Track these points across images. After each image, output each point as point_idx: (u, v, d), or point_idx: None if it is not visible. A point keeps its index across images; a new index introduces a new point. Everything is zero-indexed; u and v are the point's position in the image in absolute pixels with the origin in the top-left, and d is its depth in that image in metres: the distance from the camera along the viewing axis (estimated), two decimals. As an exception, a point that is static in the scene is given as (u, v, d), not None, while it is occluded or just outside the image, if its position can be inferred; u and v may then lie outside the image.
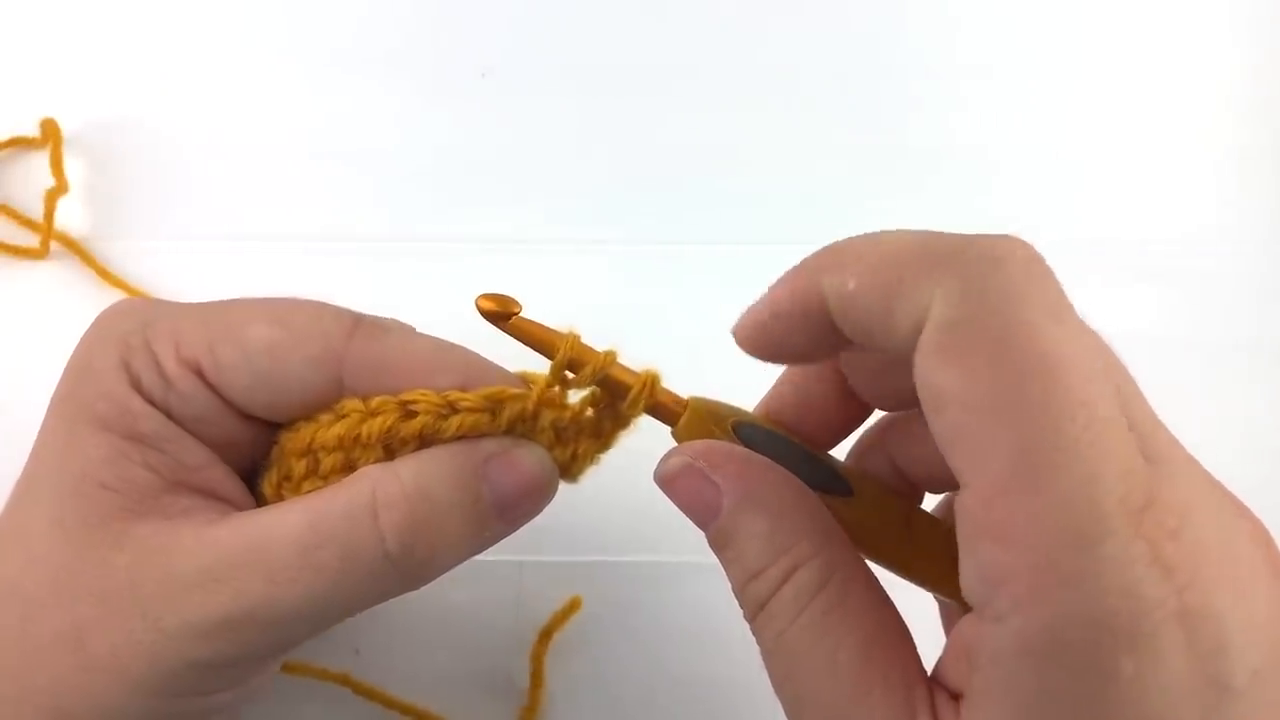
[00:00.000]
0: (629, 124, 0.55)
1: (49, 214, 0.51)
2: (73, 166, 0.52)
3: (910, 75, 0.56)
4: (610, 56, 0.56)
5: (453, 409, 0.32)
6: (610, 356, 0.33)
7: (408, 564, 0.31)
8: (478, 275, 0.51)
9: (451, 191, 0.53)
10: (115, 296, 0.50)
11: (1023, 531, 0.23)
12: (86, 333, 0.34)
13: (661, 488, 0.30)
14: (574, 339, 0.32)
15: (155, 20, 0.55)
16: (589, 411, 0.34)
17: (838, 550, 0.28)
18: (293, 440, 0.34)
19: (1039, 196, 0.54)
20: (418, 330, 0.35)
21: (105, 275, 0.51)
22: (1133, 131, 0.56)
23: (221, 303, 0.35)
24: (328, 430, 0.33)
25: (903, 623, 0.27)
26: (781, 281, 0.29)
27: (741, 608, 0.29)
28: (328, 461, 0.33)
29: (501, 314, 0.32)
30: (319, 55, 0.55)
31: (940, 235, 0.26)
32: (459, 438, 0.33)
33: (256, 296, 0.38)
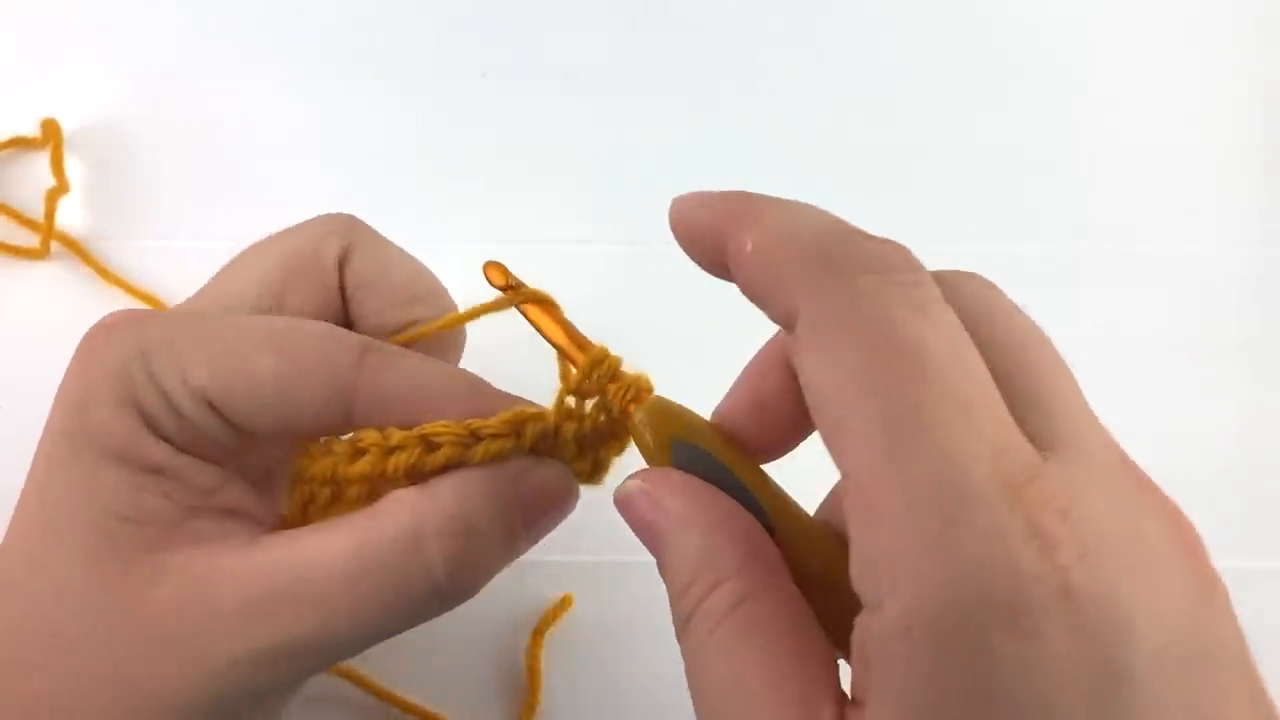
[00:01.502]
0: (629, 124, 0.55)
1: (49, 214, 0.51)
2: (73, 166, 0.52)
3: (910, 76, 0.56)
4: (610, 56, 0.56)
5: (476, 437, 0.32)
6: (615, 361, 0.33)
7: (453, 591, 0.32)
8: (478, 275, 0.52)
9: (451, 191, 0.53)
10: (115, 296, 0.50)
11: (892, 510, 0.23)
12: (79, 358, 0.33)
13: (619, 506, 0.31)
14: (603, 354, 0.33)
15: (155, 20, 0.55)
16: (603, 417, 0.34)
17: (761, 571, 0.28)
18: (312, 469, 0.34)
19: (1038, 197, 0.54)
20: (420, 355, 0.35)
21: (105, 275, 0.51)
22: (1131, 132, 0.55)
23: (220, 323, 0.34)
24: (350, 466, 0.33)
25: (827, 646, 0.27)
26: (704, 202, 0.30)
27: (674, 620, 0.29)
28: (352, 491, 0.34)
29: (507, 287, 0.34)
30: (319, 55, 0.55)
31: (830, 233, 0.26)
32: (485, 463, 0.33)
33: (232, 285, 0.38)
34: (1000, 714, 0.21)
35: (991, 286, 0.28)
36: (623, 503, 0.31)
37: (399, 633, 0.33)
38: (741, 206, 0.28)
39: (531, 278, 0.52)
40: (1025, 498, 0.22)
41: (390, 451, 0.32)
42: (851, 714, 0.24)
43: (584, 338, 0.34)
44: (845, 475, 0.24)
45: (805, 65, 0.56)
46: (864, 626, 0.24)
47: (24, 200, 0.52)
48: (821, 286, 0.25)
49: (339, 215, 0.39)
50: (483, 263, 0.34)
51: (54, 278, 0.51)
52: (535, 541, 0.34)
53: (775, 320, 0.27)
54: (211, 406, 0.32)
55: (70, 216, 0.52)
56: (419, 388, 0.33)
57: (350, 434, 0.34)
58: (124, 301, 0.50)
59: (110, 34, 0.55)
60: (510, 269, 0.34)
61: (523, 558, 0.46)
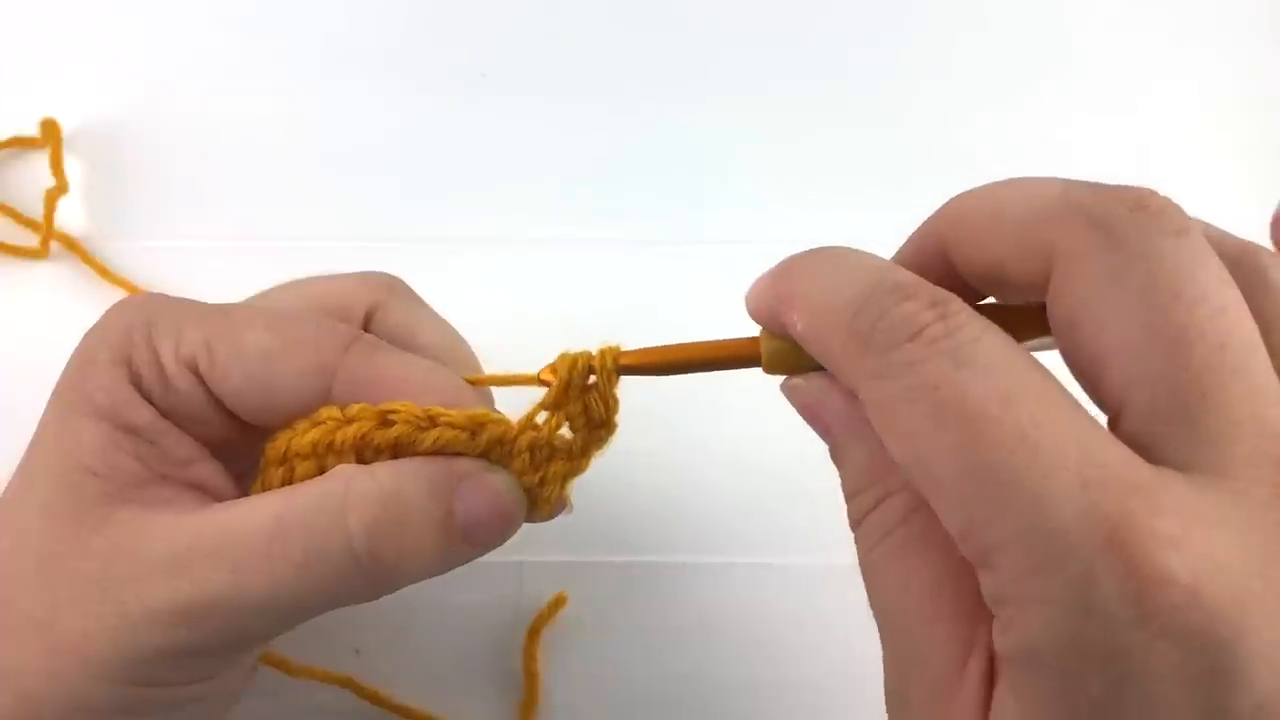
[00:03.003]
0: (629, 124, 0.55)
1: (49, 214, 0.51)
2: (73, 166, 0.52)
3: (910, 75, 0.56)
4: (611, 56, 0.56)
5: (432, 422, 0.32)
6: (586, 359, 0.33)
7: (372, 565, 0.31)
8: (478, 275, 0.52)
9: (451, 191, 0.53)
10: (115, 296, 0.50)
11: (993, 559, 0.23)
12: (91, 328, 0.35)
13: (788, 397, 0.31)
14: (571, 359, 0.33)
15: (155, 20, 0.55)
16: (565, 431, 0.34)
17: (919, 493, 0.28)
18: (272, 449, 0.34)
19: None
20: (408, 357, 0.35)
21: (105, 275, 0.51)
22: (1133, 132, 0.56)
23: (226, 305, 0.35)
24: (302, 437, 0.33)
25: (971, 571, 0.27)
26: (758, 290, 0.31)
27: (847, 515, 0.30)
28: (302, 469, 0.33)
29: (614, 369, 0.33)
30: (319, 55, 0.55)
31: (862, 303, 0.26)
32: (434, 453, 0.33)
33: (263, 303, 0.38)
34: None
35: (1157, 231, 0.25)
36: (792, 390, 0.31)
37: (320, 610, 0.32)
38: (785, 287, 0.29)
39: (532, 277, 0.52)
40: (1122, 533, 0.21)
41: (346, 423, 0.33)
42: (976, 656, 0.25)
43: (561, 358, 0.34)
44: (952, 534, 0.25)
45: (806, 65, 0.56)
46: (998, 640, 0.24)
47: (24, 200, 0.52)
48: (865, 373, 0.26)
49: (381, 273, 0.40)
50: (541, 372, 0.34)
51: (54, 278, 0.51)
52: (475, 550, 0.34)
53: (1019, 277, 0.27)
54: (199, 377, 0.33)
55: (70, 216, 0.52)
56: (399, 379, 0.33)
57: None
58: (124, 301, 0.50)
59: (110, 34, 0.55)
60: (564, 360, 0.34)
61: (523, 558, 0.46)
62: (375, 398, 0.33)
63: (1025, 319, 0.28)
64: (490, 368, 0.38)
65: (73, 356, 0.34)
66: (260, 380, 0.33)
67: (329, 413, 0.33)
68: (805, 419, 0.31)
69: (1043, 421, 0.23)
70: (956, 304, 0.25)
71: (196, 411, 0.34)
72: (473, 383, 0.35)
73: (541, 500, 0.35)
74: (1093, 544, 0.21)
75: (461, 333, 0.41)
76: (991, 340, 0.25)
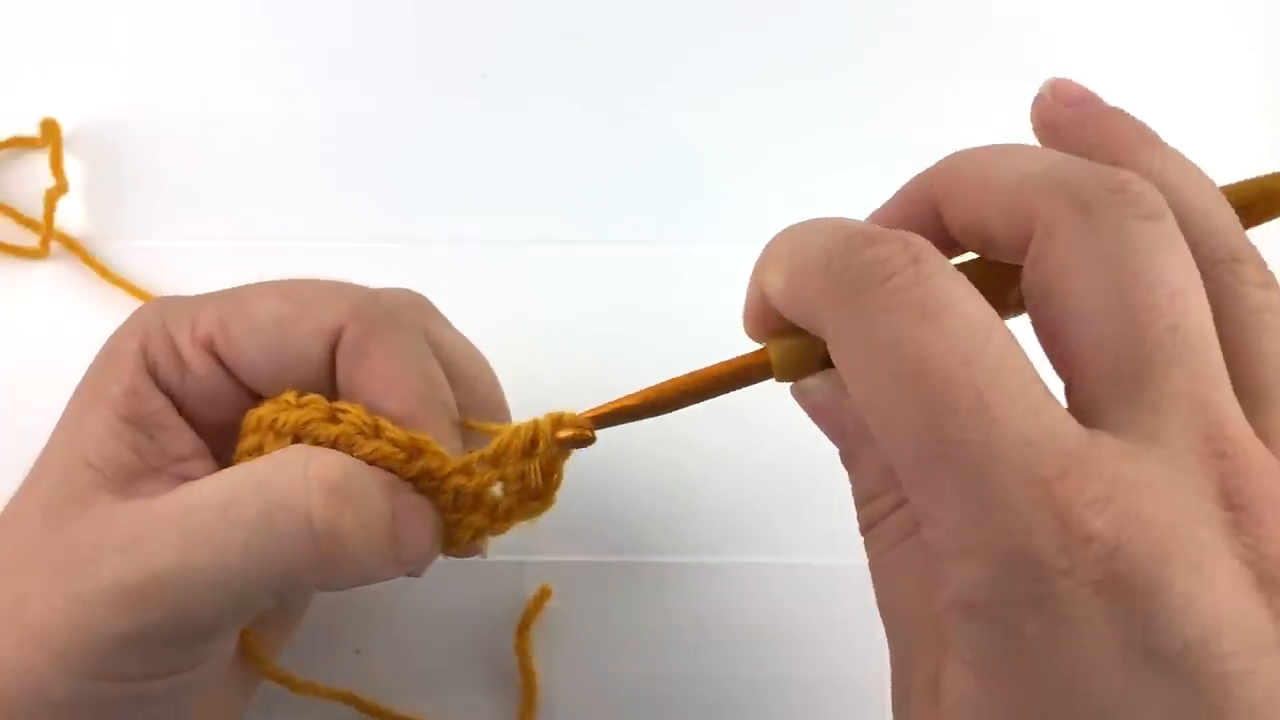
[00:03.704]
0: (629, 124, 0.55)
1: (49, 214, 0.51)
2: (73, 166, 0.52)
3: (912, 75, 0.56)
4: (611, 56, 0.56)
5: (376, 433, 0.32)
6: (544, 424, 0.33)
7: (327, 537, 0.31)
8: (478, 275, 0.52)
9: (451, 191, 0.53)
10: (115, 296, 0.50)
11: (933, 513, 0.24)
12: (114, 331, 0.35)
13: (799, 401, 0.31)
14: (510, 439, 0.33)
15: (155, 20, 0.55)
16: (495, 488, 0.34)
17: None
18: (245, 416, 0.35)
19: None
20: (414, 334, 0.35)
21: (105, 275, 0.51)
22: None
23: (239, 286, 0.36)
24: (254, 412, 0.34)
25: None
26: (748, 294, 0.31)
27: (857, 519, 0.30)
28: (244, 443, 0.34)
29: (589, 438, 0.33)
30: (318, 55, 0.55)
31: (830, 247, 0.27)
32: (369, 462, 0.33)
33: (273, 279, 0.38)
34: (1033, 690, 0.23)
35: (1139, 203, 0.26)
36: (803, 393, 0.31)
37: (270, 583, 0.31)
38: (764, 256, 0.30)
39: (532, 277, 0.52)
40: (1054, 493, 0.23)
41: (296, 408, 0.33)
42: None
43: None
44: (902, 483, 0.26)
45: (807, 66, 0.56)
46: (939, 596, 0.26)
47: (24, 200, 0.52)
48: (834, 312, 0.26)
49: (409, 292, 0.39)
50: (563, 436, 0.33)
51: (54, 278, 0.51)
52: (398, 570, 0.34)
53: (1002, 240, 0.28)
54: (215, 356, 0.33)
55: (70, 216, 0.52)
56: (382, 364, 0.33)
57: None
58: (124, 301, 0.50)
59: (110, 34, 0.55)
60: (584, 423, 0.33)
61: (523, 558, 0.46)
62: (359, 376, 0.33)
63: (1001, 277, 0.28)
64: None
65: (97, 355, 0.35)
66: (275, 348, 0.33)
67: (288, 395, 0.33)
68: (818, 422, 0.31)
69: (996, 384, 0.24)
70: (929, 251, 0.26)
71: (214, 393, 0.34)
72: (467, 426, 0.35)
73: (451, 541, 0.35)
74: (1029, 500, 0.23)
75: (462, 333, 0.41)
76: (960, 294, 0.25)
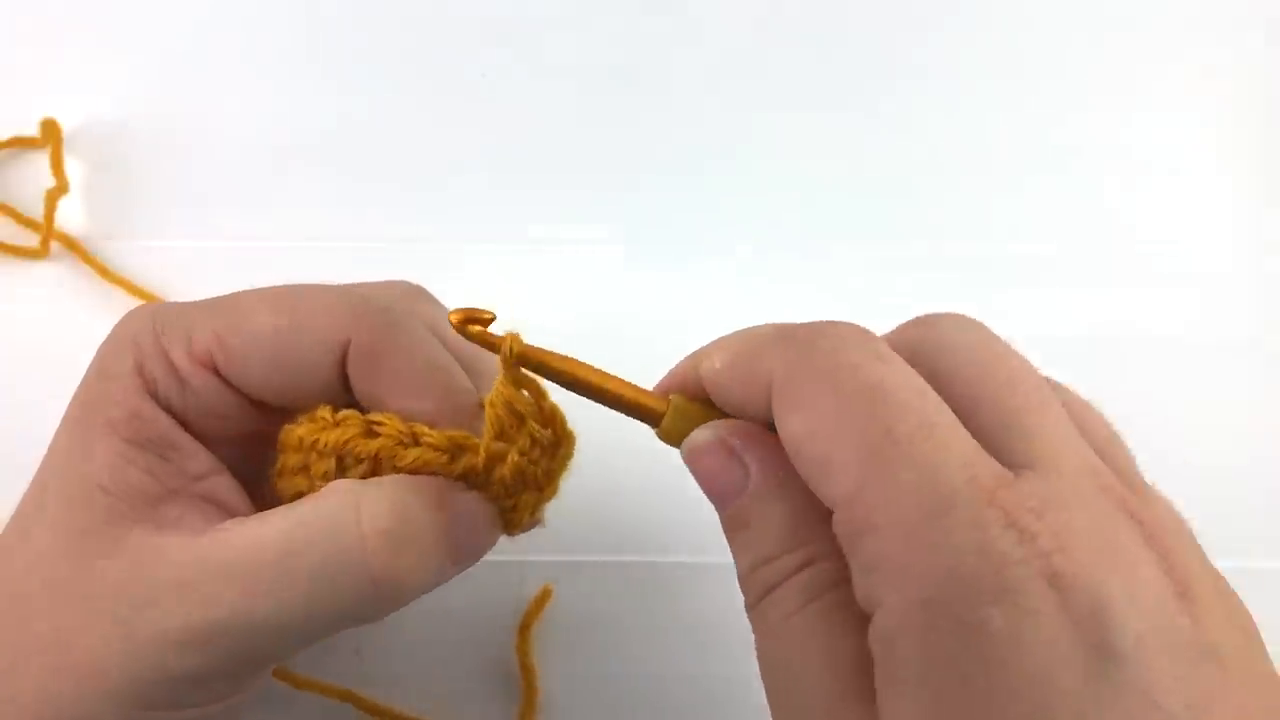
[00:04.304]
0: (629, 124, 0.55)
1: (49, 214, 0.51)
2: (73, 166, 0.52)
3: (912, 76, 0.56)
4: (611, 57, 0.56)
5: (414, 440, 0.32)
6: (510, 340, 0.31)
7: (386, 580, 0.31)
8: (478, 275, 0.52)
9: (452, 191, 0.53)
10: (115, 296, 0.50)
11: (882, 518, 0.25)
12: (104, 340, 0.34)
13: (688, 459, 0.30)
14: (513, 339, 0.31)
15: (155, 20, 0.55)
16: (530, 458, 0.34)
17: (843, 560, 0.28)
18: (282, 433, 0.34)
19: (1039, 199, 0.54)
20: (419, 329, 0.34)
21: (105, 275, 0.51)
22: (1133, 132, 0.56)
23: (230, 295, 0.35)
24: (293, 431, 0.33)
25: None
26: (671, 371, 0.32)
27: (743, 590, 0.29)
28: (288, 460, 0.34)
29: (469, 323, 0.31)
30: (318, 56, 0.55)
31: (782, 326, 0.29)
32: (412, 471, 0.33)
33: (265, 286, 0.38)
34: (996, 689, 0.23)
35: (966, 323, 0.29)
36: (699, 451, 0.30)
37: (328, 628, 0.32)
38: (693, 355, 0.31)
39: (531, 277, 0.52)
40: (999, 498, 0.24)
41: (334, 426, 0.33)
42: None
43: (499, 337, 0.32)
44: (835, 505, 0.26)
45: (806, 66, 0.56)
46: (870, 635, 0.25)
47: (24, 200, 0.52)
48: (787, 356, 0.28)
49: (405, 283, 0.39)
50: (450, 313, 0.31)
51: (54, 278, 0.51)
52: (462, 567, 0.34)
53: (755, 410, 0.29)
54: (215, 371, 0.33)
55: (70, 216, 0.52)
56: (402, 366, 0.33)
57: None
58: (124, 301, 0.50)
59: (110, 34, 0.55)
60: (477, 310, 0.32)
61: (523, 558, 0.46)
62: (379, 381, 0.33)
63: None
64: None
65: (86, 372, 0.34)
66: (278, 360, 0.33)
67: (323, 411, 0.33)
68: (706, 481, 0.30)
69: (938, 415, 0.26)
70: (876, 336, 0.28)
71: (217, 407, 0.33)
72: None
73: (512, 523, 0.35)
74: (979, 499, 0.24)
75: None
76: (902, 361, 0.27)
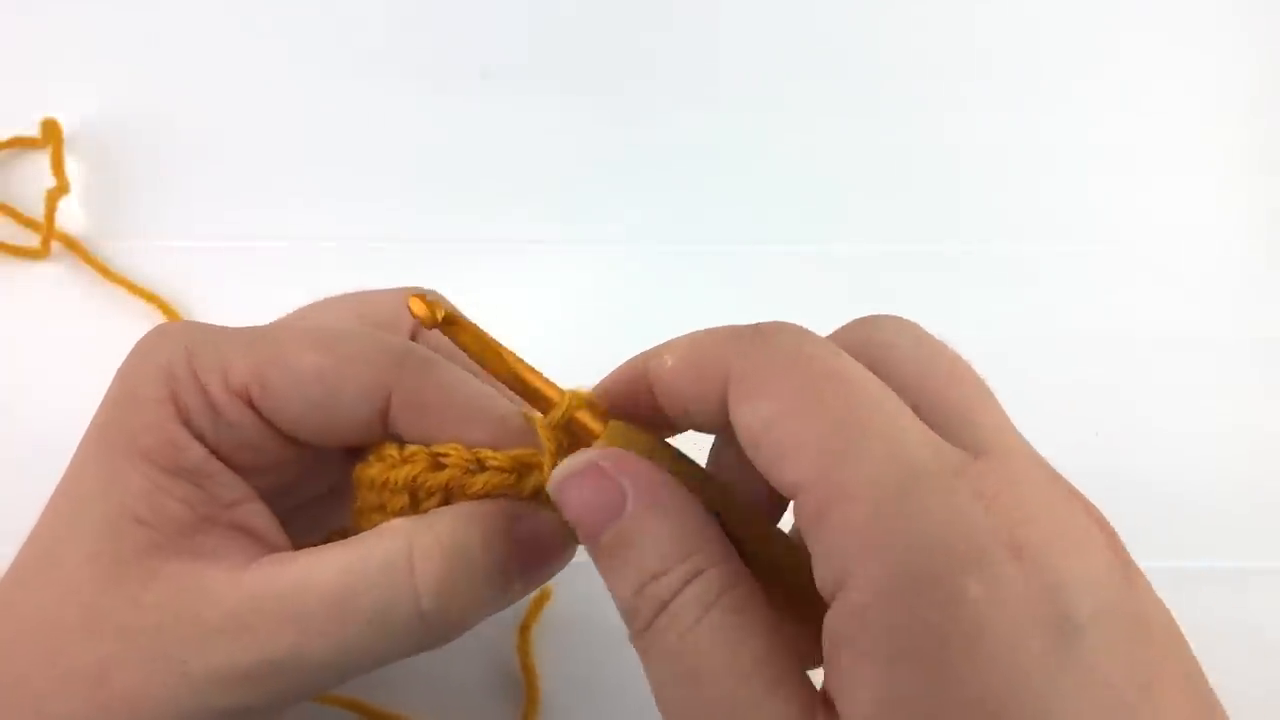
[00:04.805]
0: (629, 124, 0.55)
1: (49, 214, 0.51)
2: (73, 166, 0.52)
3: (911, 76, 0.56)
4: (611, 56, 0.56)
5: (480, 466, 0.33)
6: (578, 399, 0.32)
7: (438, 621, 0.31)
8: (478, 275, 0.52)
9: (452, 192, 0.53)
10: (115, 296, 0.50)
11: (853, 492, 0.25)
12: (127, 360, 0.34)
13: (557, 486, 0.30)
14: (576, 398, 0.32)
15: (155, 20, 0.55)
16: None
17: (736, 562, 0.28)
18: (354, 476, 0.35)
19: (1039, 198, 0.54)
20: (455, 368, 0.34)
21: (105, 275, 0.51)
22: (1132, 132, 0.56)
23: (267, 327, 0.35)
24: (365, 470, 0.34)
25: (798, 636, 0.28)
26: (617, 369, 0.32)
27: (629, 616, 0.29)
28: (366, 499, 0.34)
29: (434, 320, 0.31)
30: (319, 55, 0.55)
31: (734, 326, 0.30)
32: (483, 495, 0.33)
33: (302, 320, 0.38)
34: (972, 655, 0.23)
35: (906, 324, 0.30)
36: (571, 478, 0.30)
37: (379, 664, 0.32)
38: (639, 357, 0.31)
39: (531, 277, 0.52)
40: (965, 471, 0.25)
41: (402, 463, 0.33)
42: (823, 715, 0.25)
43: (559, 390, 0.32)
44: (797, 489, 0.26)
45: (806, 66, 0.56)
46: (835, 614, 0.25)
47: (24, 200, 0.52)
48: (744, 349, 0.28)
49: (420, 288, 0.39)
50: (409, 297, 0.31)
51: (54, 278, 0.51)
52: (532, 586, 0.34)
53: (702, 415, 0.29)
54: (251, 405, 0.33)
55: (70, 216, 0.52)
56: (450, 402, 0.33)
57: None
58: (124, 301, 0.50)
59: (110, 34, 0.55)
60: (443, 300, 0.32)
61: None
62: (428, 420, 0.33)
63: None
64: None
65: (111, 392, 0.34)
66: (318, 402, 0.32)
67: (390, 449, 0.33)
68: (579, 505, 0.30)
69: (896, 405, 0.27)
70: (826, 338, 0.29)
71: (250, 441, 0.33)
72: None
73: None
74: (947, 473, 0.25)
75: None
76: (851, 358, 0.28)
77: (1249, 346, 0.52)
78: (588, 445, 0.31)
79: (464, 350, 0.32)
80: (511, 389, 0.32)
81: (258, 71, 0.55)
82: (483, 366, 0.32)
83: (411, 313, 0.31)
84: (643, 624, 0.28)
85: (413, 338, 0.38)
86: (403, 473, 0.33)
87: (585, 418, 0.31)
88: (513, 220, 0.53)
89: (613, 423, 0.31)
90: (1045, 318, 0.51)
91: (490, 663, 0.46)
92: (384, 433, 0.34)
